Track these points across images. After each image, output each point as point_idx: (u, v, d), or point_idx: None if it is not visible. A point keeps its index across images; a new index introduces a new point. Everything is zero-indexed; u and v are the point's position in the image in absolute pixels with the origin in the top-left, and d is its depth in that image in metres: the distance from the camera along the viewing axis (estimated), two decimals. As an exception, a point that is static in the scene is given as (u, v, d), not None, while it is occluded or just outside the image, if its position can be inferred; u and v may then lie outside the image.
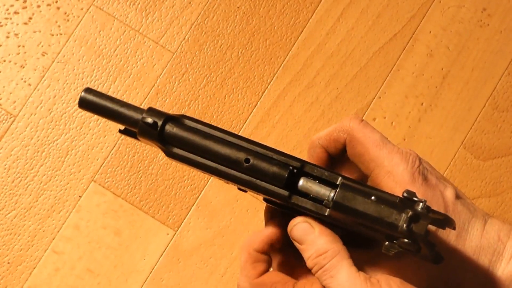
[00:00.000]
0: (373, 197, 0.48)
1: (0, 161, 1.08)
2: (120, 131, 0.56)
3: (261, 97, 1.11)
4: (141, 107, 0.54)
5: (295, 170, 0.51)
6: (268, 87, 1.12)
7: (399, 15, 1.14)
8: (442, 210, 0.53)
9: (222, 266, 1.06)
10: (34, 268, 1.06)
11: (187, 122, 0.53)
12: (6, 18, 1.12)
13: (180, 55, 1.12)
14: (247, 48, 1.13)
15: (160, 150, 0.54)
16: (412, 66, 1.13)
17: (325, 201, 0.50)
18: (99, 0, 1.13)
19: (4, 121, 1.09)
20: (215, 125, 0.54)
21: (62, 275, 1.05)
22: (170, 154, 0.53)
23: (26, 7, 1.12)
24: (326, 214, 0.50)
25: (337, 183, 0.50)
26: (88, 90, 0.55)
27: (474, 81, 1.13)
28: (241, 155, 0.51)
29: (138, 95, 1.10)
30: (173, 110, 1.10)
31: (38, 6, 1.12)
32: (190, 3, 1.13)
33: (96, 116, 1.10)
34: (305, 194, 0.51)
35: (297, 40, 1.13)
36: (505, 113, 1.12)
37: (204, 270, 1.06)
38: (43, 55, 1.11)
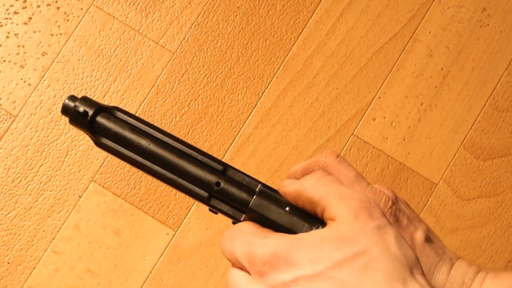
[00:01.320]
0: (287, 208, 0.49)
1: (0, 161, 1.08)
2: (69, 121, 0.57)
3: (261, 97, 1.11)
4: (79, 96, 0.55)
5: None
6: (268, 87, 1.12)
7: (399, 15, 1.14)
8: None
9: (222, 266, 1.06)
10: (34, 268, 1.06)
11: (118, 114, 0.54)
12: (6, 18, 1.12)
13: (180, 55, 1.12)
14: (247, 48, 1.13)
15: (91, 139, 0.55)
16: (412, 66, 1.13)
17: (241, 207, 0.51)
18: (99, 0, 1.13)
19: (4, 121, 1.09)
20: (146, 120, 0.55)
21: (62, 275, 1.05)
22: (98, 144, 0.54)
23: (26, 7, 1.12)
24: (241, 219, 0.51)
25: (256, 190, 0.51)
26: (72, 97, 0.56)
27: (474, 81, 1.13)
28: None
29: (138, 95, 1.10)
30: (173, 110, 1.10)
31: (38, 6, 1.12)
32: (190, 3, 1.13)
33: (96, 116, 1.10)
34: (227, 197, 0.52)
35: (297, 40, 1.13)
36: (505, 113, 1.12)
37: (204, 270, 1.06)
38: (43, 55, 1.11)
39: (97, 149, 1.09)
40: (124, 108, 0.57)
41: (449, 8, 1.15)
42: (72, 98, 0.55)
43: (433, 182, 1.10)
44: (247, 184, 0.52)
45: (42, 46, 1.11)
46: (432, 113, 1.12)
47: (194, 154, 0.53)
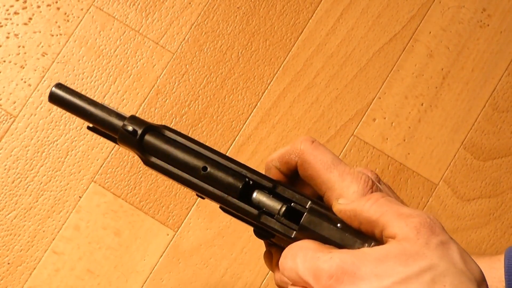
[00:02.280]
0: (338, 224, 0.49)
1: (0, 161, 1.08)
2: (89, 128, 0.56)
3: (261, 98, 1.11)
4: (121, 113, 0.55)
5: (250, 182, 0.53)
6: (268, 87, 1.12)
7: (399, 16, 1.14)
8: None
9: (222, 267, 1.06)
10: (34, 268, 1.06)
11: (167, 133, 0.54)
12: (6, 19, 1.12)
13: (180, 55, 1.12)
14: (247, 48, 1.13)
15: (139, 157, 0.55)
16: (412, 66, 1.13)
17: (276, 216, 0.51)
18: (99, 0, 1.13)
19: (4, 122, 1.09)
20: (194, 138, 0.55)
21: (62, 276, 1.05)
22: (147, 163, 0.54)
23: (26, 8, 1.12)
24: (292, 236, 0.50)
25: (306, 206, 0.51)
26: (59, 85, 0.56)
27: (474, 81, 1.13)
28: (200, 163, 0.53)
29: (138, 95, 1.10)
30: (173, 110, 1.10)
31: (38, 7, 1.12)
32: (190, 3, 1.13)
33: (96, 117, 1.10)
34: (257, 207, 0.52)
35: (297, 41, 1.13)
36: (505, 113, 1.12)
37: (204, 270, 1.06)
38: (43, 56, 1.11)
39: (97, 149, 1.09)
40: (172, 127, 0.57)
41: (449, 9, 1.15)
42: (121, 117, 0.54)
43: (433, 182, 1.10)
44: (297, 200, 0.51)
45: (42, 46, 1.11)
46: (432, 113, 1.12)
47: (245, 172, 0.53)
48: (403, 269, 0.43)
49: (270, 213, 0.52)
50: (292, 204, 0.52)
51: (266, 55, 1.12)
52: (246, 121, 1.11)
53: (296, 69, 1.12)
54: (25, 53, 1.11)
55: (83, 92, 1.10)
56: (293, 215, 0.52)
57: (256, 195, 0.52)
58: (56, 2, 1.12)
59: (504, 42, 1.14)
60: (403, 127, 1.11)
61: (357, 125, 1.11)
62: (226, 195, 0.52)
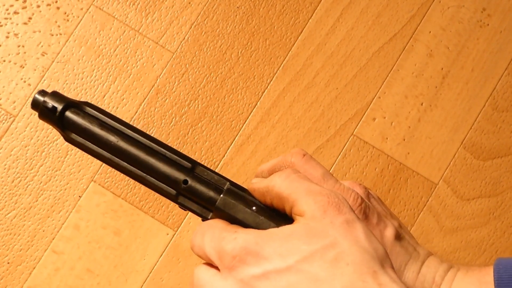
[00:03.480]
0: (254, 207, 0.49)
1: (0, 161, 1.08)
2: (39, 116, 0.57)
3: (261, 97, 1.11)
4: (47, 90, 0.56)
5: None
6: (268, 87, 1.12)
7: (399, 15, 1.14)
8: None
9: (222, 266, 1.06)
10: (34, 268, 1.06)
11: (88, 109, 0.54)
12: (6, 18, 1.12)
13: (180, 55, 1.12)
14: (247, 48, 1.13)
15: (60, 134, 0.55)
16: (412, 66, 1.13)
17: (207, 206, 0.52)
18: (99, 0, 1.13)
19: (4, 121, 1.09)
20: (117, 116, 0.55)
21: (62, 275, 1.05)
22: (68, 139, 0.54)
23: (26, 7, 1.12)
24: (208, 217, 0.51)
25: (224, 188, 0.51)
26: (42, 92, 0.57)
27: (474, 81, 1.13)
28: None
29: (138, 95, 1.10)
30: (173, 110, 1.10)
31: (38, 6, 1.12)
32: (190, 3, 1.13)
33: (96, 116, 1.10)
34: (195, 195, 0.52)
35: (297, 40, 1.13)
36: (505, 113, 1.12)
37: (204, 270, 1.06)
38: (43, 55, 1.11)
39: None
40: (94, 103, 0.57)
41: (449, 8, 1.15)
42: (42, 92, 0.55)
43: (433, 182, 1.10)
44: (216, 182, 0.52)
45: (42, 46, 1.11)
46: (432, 113, 1.12)
47: (163, 151, 0.53)
48: (306, 248, 0.44)
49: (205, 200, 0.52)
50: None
51: (266, 55, 1.12)
52: (246, 121, 1.11)
53: (296, 69, 1.12)
54: (25, 52, 1.11)
55: (83, 92, 1.10)
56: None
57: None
58: (56, 2, 1.12)
59: (504, 42, 1.14)
60: (403, 127, 1.11)
61: (357, 125, 1.11)
62: (145, 174, 0.53)
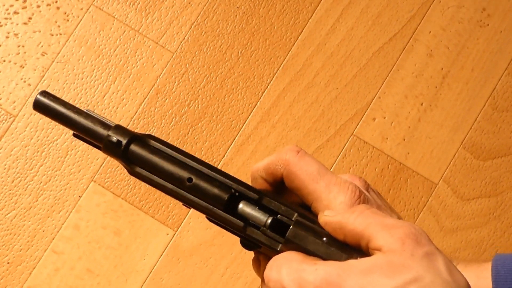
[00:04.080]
0: (324, 238, 0.49)
1: (0, 161, 1.08)
2: (74, 135, 0.56)
3: (260, 97, 1.11)
4: (106, 121, 0.55)
5: (236, 193, 0.52)
6: (268, 87, 1.12)
7: (399, 15, 1.14)
8: None
9: (222, 266, 1.06)
10: (34, 268, 1.06)
11: (152, 142, 0.54)
12: (6, 18, 1.12)
13: (180, 55, 1.12)
14: (247, 48, 1.13)
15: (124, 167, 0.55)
16: (412, 66, 1.13)
17: (261, 228, 0.51)
18: (99, 0, 1.13)
19: (4, 121, 1.09)
20: (179, 147, 0.55)
21: (62, 275, 1.05)
22: (133, 173, 0.54)
23: (26, 7, 1.12)
24: (278, 249, 0.50)
25: (292, 219, 0.50)
26: (44, 93, 0.56)
27: (474, 81, 1.13)
28: (186, 174, 0.53)
29: (138, 95, 1.10)
30: (173, 110, 1.10)
31: (38, 6, 1.12)
32: (189, 3, 1.13)
33: (96, 116, 1.10)
34: (243, 218, 0.51)
35: (297, 40, 1.13)
36: (505, 113, 1.12)
37: (204, 270, 1.06)
38: (43, 55, 1.11)
39: (97, 149, 1.09)
40: (157, 136, 0.56)
41: (449, 8, 1.15)
42: (106, 126, 0.54)
43: (433, 182, 1.10)
44: (283, 213, 0.51)
45: (42, 46, 1.11)
46: (432, 113, 1.12)
47: (229, 183, 0.52)
48: (388, 281, 0.43)
49: (255, 225, 0.51)
50: (278, 216, 0.51)
51: (266, 55, 1.12)
52: (246, 121, 1.11)
53: (296, 69, 1.12)
54: (25, 52, 1.11)
55: (83, 92, 1.10)
56: (279, 227, 0.51)
57: (242, 206, 0.52)
58: (56, 2, 1.12)
59: (504, 42, 1.14)
60: (403, 127, 1.11)
61: (357, 125, 1.11)
62: (211, 207, 0.52)
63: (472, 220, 1.09)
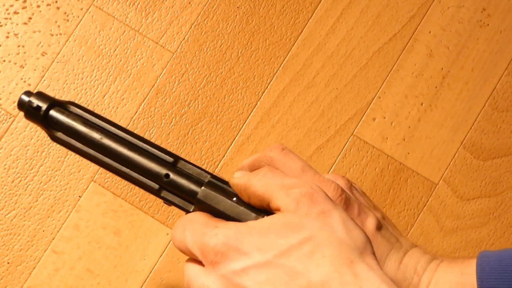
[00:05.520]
0: (234, 198, 0.50)
1: (0, 161, 1.08)
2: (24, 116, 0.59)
3: (260, 97, 1.11)
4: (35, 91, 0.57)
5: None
6: (268, 87, 1.12)
7: (399, 15, 1.14)
8: None
9: (222, 266, 1.06)
10: (34, 268, 1.06)
11: (72, 108, 0.56)
12: (5, 18, 1.12)
13: (180, 55, 1.12)
14: (247, 48, 1.13)
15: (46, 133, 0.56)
16: (412, 66, 1.13)
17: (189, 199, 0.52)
18: (99, 0, 1.13)
19: (4, 121, 1.09)
20: (101, 115, 0.57)
21: (62, 275, 1.05)
22: (53, 138, 0.56)
23: (25, 7, 1.12)
24: (190, 210, 0.52)
25: (205, 181, 0.52)
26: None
27: (474, 81, 1.13)
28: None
29: (138, 95, 1.10)
30: (173, 110, 1.10)
31: (38, 6, 1.12)
32: (190, 3, 1.13)
33: (95, 116, 1.10)
34: (177, 188, 0.53)
35: (297, 40, 1.13)
36: (505, 113, 1.12)
37: (204, 270, 1.06)
38: (43, 55, 1.11)
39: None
40: (78, 103, 0.58)
41: (449, 8, 1.15)
42: (28, 93, 0.56)
43: (433, 182, 1.10)
44: (197, 175, 0.53)
45: (42, 46, 1.11)
46: (432, 113, 1.12)
47: (146, 146, 0.54)
48: (283, 242, 0.44)
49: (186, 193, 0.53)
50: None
51: (266, 55, 1.12)
52: (246, 121, 1.11)
53: (296, 69, 1.12)
54: (24, 52, 1.11)
55: (83, 92, 1.11)
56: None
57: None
58: (56, 2, 1.12)
59: (504, 42, 1.14)
60: (403, 127, 1.11)
61: (357, 125, 1.11)
62: (128, 170, 0.54)
63: (472, 220, 1.09)
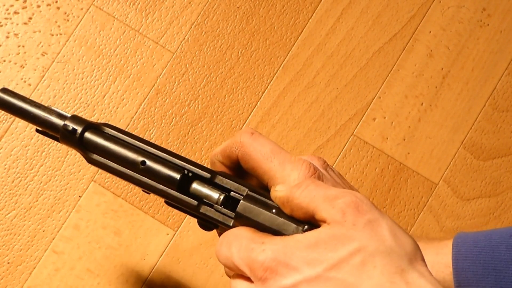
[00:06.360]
0: (273, 210, 0.49)
1: (0, 161, 1.08)
2: (37, 130, 0.58)
3: (261, 97, 1.11)
4: (65, 113, 0.57)
5: (189, 174, 0.54)
6: (268, 87, 1.12)
7: (399, 15, 1.14)
8: None
9: (222, 266, 1.06)
10: (34, 268, 1.06)
11: (107, 130, 0.56)
12: (6, 18, 1.12)
13: (180, 55, 1.12)
14: (247, 48, 1.13)
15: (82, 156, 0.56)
16: (412, 66, 1.13)
17: (214, 205, 0.52)
18: (99, 0, 1.13)
19: (4, 121, 1.09)
20: (135, 134, 0.56)
21: (62, 275, 1.05)
22: (90, 161, 0.56)
23: (26, 7, 1.12)
24: (230, 225, 0.51)
25: (244, 194, 0.51)
26: (3, 90, 0.58)
27: (474, 81, 1.13)
28: (139, 158, 0.54)
29: (138, 95, 1.10)
30: (173, 110, 1.10)
31: (38, 6, 1.12)
32: (190, 3, 1.13)
33: (95, 117, 1.10)
34: (196, 197, 0.53)
35: (297, 40, 1.13)
36: (505, 113, 1.12)
37: (204, 270, 1.06)
38: (43, 55, 1.11)
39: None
40: (113, 124, 0.58)
41: (449, 8, 1.15)
42: (61, 116, 0.56)
43: (433, 182, 1.10)
44: (235, 189, 0.52)
45: (42, 46, 1.11)
46: (432, 113, 1.12)
47: (183, 164, 0.54)
48: (333, 255, 0.44)
49: (209, 203, 0.52)
50: (231, 193, 0.53)
51: (266, 55, 1.12)
52: (246, 121, 1.11)
53: (296, 69, 1.12)
54: (25, 52, 1.11)
55: (83, 92, 1.10)
56: (232, 203, 0.52)
57: (194, 186, 0.53)
58: (56, 2, 1.12)
59: (504, 42, 1.14)
60: (403, 127, 1.11)
61: (357, 125, 1.11)
62: (165, 188, 0.53)
63: (472, 220, 1.09)
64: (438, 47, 1.13)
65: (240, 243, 0.47)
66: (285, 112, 1.11)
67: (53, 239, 1.06)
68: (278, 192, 0.50)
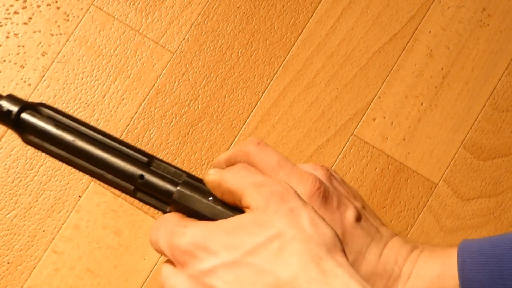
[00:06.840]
0: (210, 198, 0.49)
1: (0, 161, 1.08)
2: None
3: (261, 97, 1.11)
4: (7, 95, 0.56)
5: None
6: (268, 87, 1.12)
7: (399, 15, 1.14)
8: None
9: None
10: (34, 268, 1.06)
11: (44, 110, 0.55)
12: (6, 18, 1.12)
13: (180, 55, 1.12)
14: (247, 48, 1.13)
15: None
16: (412, 66, 1.13)
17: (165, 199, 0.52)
18: (99, 0, 1.13)
19: (4, 121, 1.09)
20: (74, 116, 0.56)
21: (62, 275, 1.05)
22: (26, 141, 0.55)
23: (26, 7, 1.12)
24: (167, 211, 0.51)
25: (180, 181, 0.51)
26: None
27: (474, 81, 1.13)
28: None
29: (138, 95, 1.10)
30: (173, 110, 1.10)
31: (38, 6, 1.12)
32: (190, 3, 1.13)
33: (95, 116, 1.10)
34: (152, 189, 0.52)
35: (297, 40, 1.13)
36: (505, 113, 1.12)
37: (204, 270, 1.06)
38: (43, 55, 1.11)
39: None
40: (50, 104, 0.57)
41: (449, 8, 1.15)
42: None
43: (433, 182, 1.10)
44: (172, 175, 0.52)
45: (42, 46, 1.11)
46: (432, 113, 1.12)
47: (120, 147, 0.53)
48: (251, 240, 0.44)
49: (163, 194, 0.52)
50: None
51: (266, 55, 1.12)
52: (246, 121, 1.11)
53: (296, 69, 1.12)
54: (25, 52, 1.11)
55: (83, 92, 1.11)
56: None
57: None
58: (56, 2, 1.12)
59: (504, 42, 1.14)
60: (403, 127, 1.11)
61: (357, 125, 1.11)
62: (102, 171, 0.53)
63: (472, 220, 1.09)
64: (438, 47, 1.13)
65: (166, 227, 0.47)
66: (285, 112, 1.11)
67: (53, 239, 1.06)
68: (210, 176, 0.49)
